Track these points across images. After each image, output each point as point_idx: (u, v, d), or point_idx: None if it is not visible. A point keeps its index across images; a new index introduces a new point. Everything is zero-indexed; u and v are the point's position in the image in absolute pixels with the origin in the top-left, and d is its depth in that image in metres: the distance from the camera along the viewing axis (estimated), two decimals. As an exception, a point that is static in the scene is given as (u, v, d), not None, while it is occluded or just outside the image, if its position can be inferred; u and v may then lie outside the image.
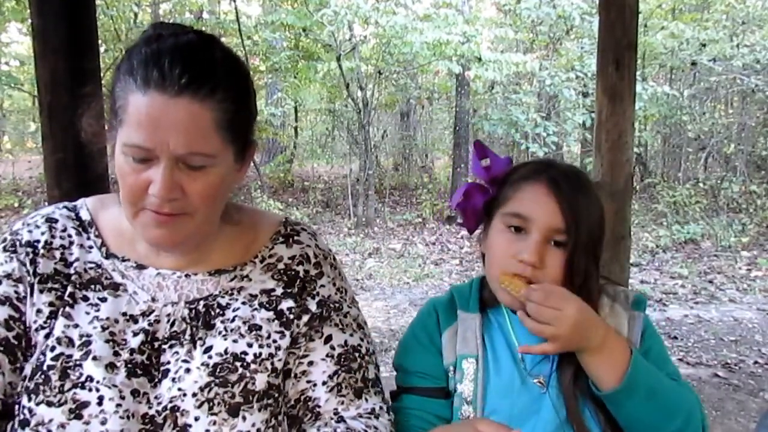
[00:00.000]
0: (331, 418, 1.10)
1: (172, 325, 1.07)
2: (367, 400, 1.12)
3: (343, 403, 1.11)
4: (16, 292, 1.05)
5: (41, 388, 1.00)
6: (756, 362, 4.66)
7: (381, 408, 1.14)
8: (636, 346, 1.18)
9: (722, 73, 10.15)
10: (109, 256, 1.10)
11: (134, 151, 0.97)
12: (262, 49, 10.94)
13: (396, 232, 9.57)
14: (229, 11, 11.92)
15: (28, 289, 1.06)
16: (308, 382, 1.11)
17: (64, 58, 2.24)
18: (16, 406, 1.02)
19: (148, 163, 0.98)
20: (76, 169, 2.25)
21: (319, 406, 1.10)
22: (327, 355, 1.11)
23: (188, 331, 1.06)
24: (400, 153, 13.39)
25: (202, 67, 0.98)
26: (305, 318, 1.12)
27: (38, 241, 1.08)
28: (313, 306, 1.13)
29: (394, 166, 13.33)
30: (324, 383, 1.10)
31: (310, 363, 1.11)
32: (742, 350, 4.92)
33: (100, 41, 2.66)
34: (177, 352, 1.05)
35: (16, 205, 9.99)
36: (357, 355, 1.14)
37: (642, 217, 9.45)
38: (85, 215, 1.13)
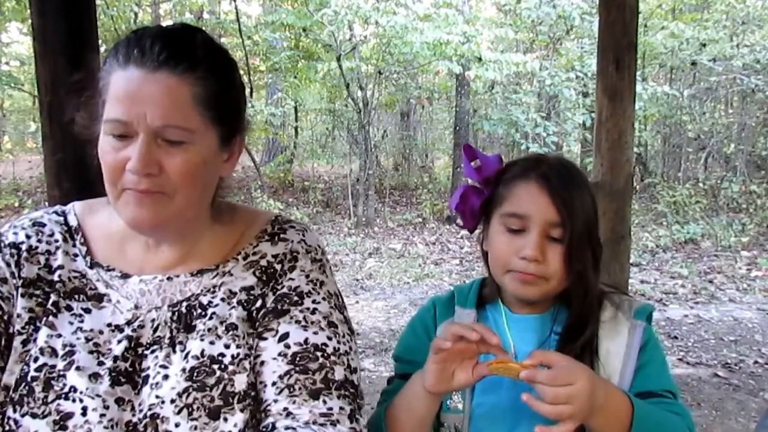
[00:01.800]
0: (280, 414, 1.03)
1: (156, 330, 1.05)
2: (325, 402, 1.03)
3: (294, 402, 1.02)
4: (0, 291, 1.04)
5: (25, 399, 0.99)
6: (756, 362, 4.66)
7: (341, 410, 1.03)
8: (634, 355, 1.17)
9: (722, 73, 10.15)
10: (93, 265, 1.08)
11: (113, 126, 0.98)
12: (262, 49, 10.95)
13: (396, 232, 9.57)
14: (229, 11, 11.92)
15: (14, 291, 1.04)
16: (260, 383, 1.05)
17: (64, 58, 2.24)
18: (2, 417, 1.01)
19: (127, 140, 0.98)
20: (76, 169, 2.25)
21: (270, 406, 1.04)
22: (279, 354, 1.05)
23: (168, 335, 1.04)
24: (400, 153, 13.39)
25: (181, 46, 0.99)
26: (260, 314, 1.08)
27: (22, 244, 1.07)
28: (269, 301, 1.08)
29: (394, 166, 13.33)
30: (273, 383, 1.04)
31: (262, 363, 1.05)
32: (742, 350, 4.92)
33: (100, 41, 2.66)
34: (156, 357, 1.03)
35: (16, 205, 9.99)
36: (319, 354, 1.05)
37: (642, 217, 9.45)
38: (72, 220, 1.12)
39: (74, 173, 2.25)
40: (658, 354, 1.21)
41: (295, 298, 1.08)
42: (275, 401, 1.03)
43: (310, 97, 12.80)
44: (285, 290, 1.09)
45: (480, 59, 9.39)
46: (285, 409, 1.02)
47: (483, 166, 1.25)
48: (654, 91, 9.51)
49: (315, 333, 1.06)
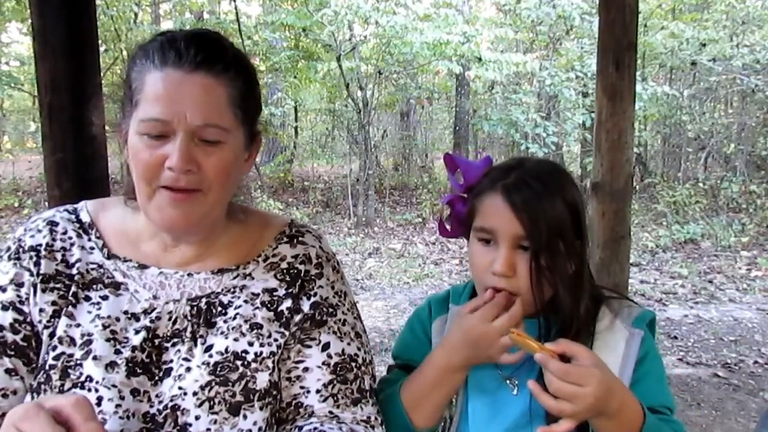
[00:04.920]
0: (326, 417, 1.09)
1: (174, 322, 1.07)
2: (362, 408, 1.12)
3: (339, 407, 1.10)
4: (18, 296, 1.06)
5: (43, 387, 1.01)
6: (756, 362, 4.66)
7: (376, 419, 1.13)
8: (630, 368, 1.14)
9: (722, 73, 10.14)
10: (110, 256, 1.11)
11: (151, 126, 0.99)
12: (262, 49, 10.94)
13: (396, 232, 9.57)
14: (229, 11, 11.91)
15: (31, 290, 1.06)
16: (302, 387, 1.10)
17: (64, 58, 2.24)
18: None
19: (163, 140, 0.99)
20: (76, 169, 2.25)
21: (314, 410, 1.10)
22: (323, 363, 1.11)
23: (189, 329, 1.07)
24: (400, 153, 13.39)
25: (214, 48, 1.03)
26: (297, 318, 1.11)
27: (40, 245, 1.09)
28: (306, 306, 1.12)
29: (394, 166, 13.33)
30: (318, 391, 1.10)
31: (306, 369, 1.10)
32: (742, 350, 4.92)
33: (100, 41, 2.66)
34: (179, 350, 1.05)
35: (16, 205, 9.99)
36: (353, 365, 1.12)
37: (642, 217, 9.45)
38: (85, 217, 1.14)
39: (74, 173, 2.26)
40: (657, 366, 1.19)
41: (330, 310, 1.13)
42: (320, 406, 1.09)
43: (310, 97, 12.79)
44: (318, 299, 1.13)
45: (480, 59, 9.39)
46: (330, 412, 1.09)
47: (465, 175, 1.25)
48: (654, 91, 9.50)
49: (348, 344, 1.13)
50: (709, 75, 10.51)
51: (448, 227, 1.28)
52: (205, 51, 1.00)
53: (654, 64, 10.89)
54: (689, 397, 3.99)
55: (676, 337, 5.25)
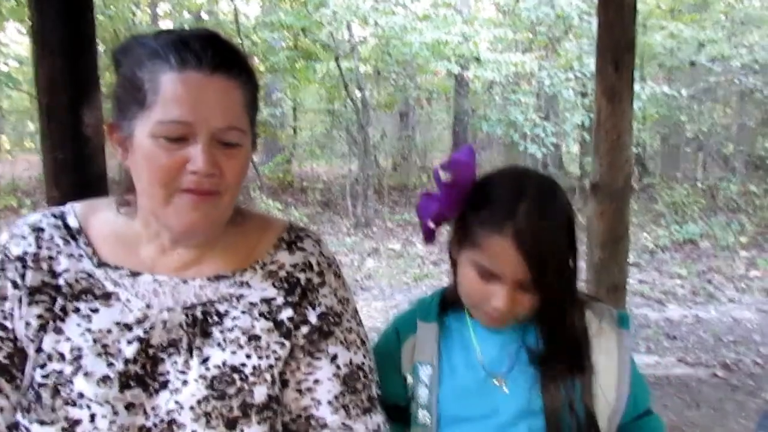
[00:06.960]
0: (340, 428, 1.08)
1: (169, 331, 1.03)
2: (372, 417, 1.11)
3: (351, 418, 1.09)
4: (2, 310, 1.02)
5: (33, 406, 0.98)
6: (755, 362, 4.66)
7: (386, 427, 1.13)
8: (628, 370, 1.17)
9: (721, 74, 10.16)
10: (101, 264, 1.05)
11: (171, 128, 0.95)
12: (261, 49, 10.92)
13: (395, 232, 9.57)
14: (228, 11, 11.92)
15: (16, 303, 1.02)
16: (312, 399, 1.08)
17: (62, 59, 2.24)
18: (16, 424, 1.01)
19: (182, 143, 0.96)
20: (75, 169, 2.25)
21: (326, 422, 1.08)
22: (333, 375, 1.09)
23: (185, 339, 1.03)
24: (399, 153, 13.38)
25: (228, 51, 1.02)
26: (304, 329, 1.08)
27: (26, 254, 1.04)
28: (313, 318, 1.09)
29: (393, 166, 13.33)
30: (329, 402, 1.08)
31: (316, 381, 1.08)
32: (741, 350, 4.93)
33: (98, 41, 2.65)
34: (175, 362, 1.02)
35: (15, 205, 9.99)
36: (361, 374, 1.11)
37: (641, 217, 9.45)
38: (72, 222, 1.08)
39: (73, 173, 2.25)
40: (635, 367, 1.22)
41: (336, 319, 1.12)
42: (333, 419, 1.08)
43: (309, 98, 12.81)
44: (324, 309, 1.11)
45: (479, 59, 9.40)
46: (344, 424, 1.08)
47: (457, 175, 1.17)
48: (653, 92, 9.52)
49: (355, 353, 1.12)
50: (707, 75, 10.52)
51: (432, 226, 1.20)
52: (221, 54, 0.99)
53: (653, 64, 10.90)
54: (689, 397, 3.99)
55: (675, 338, 5.26)
